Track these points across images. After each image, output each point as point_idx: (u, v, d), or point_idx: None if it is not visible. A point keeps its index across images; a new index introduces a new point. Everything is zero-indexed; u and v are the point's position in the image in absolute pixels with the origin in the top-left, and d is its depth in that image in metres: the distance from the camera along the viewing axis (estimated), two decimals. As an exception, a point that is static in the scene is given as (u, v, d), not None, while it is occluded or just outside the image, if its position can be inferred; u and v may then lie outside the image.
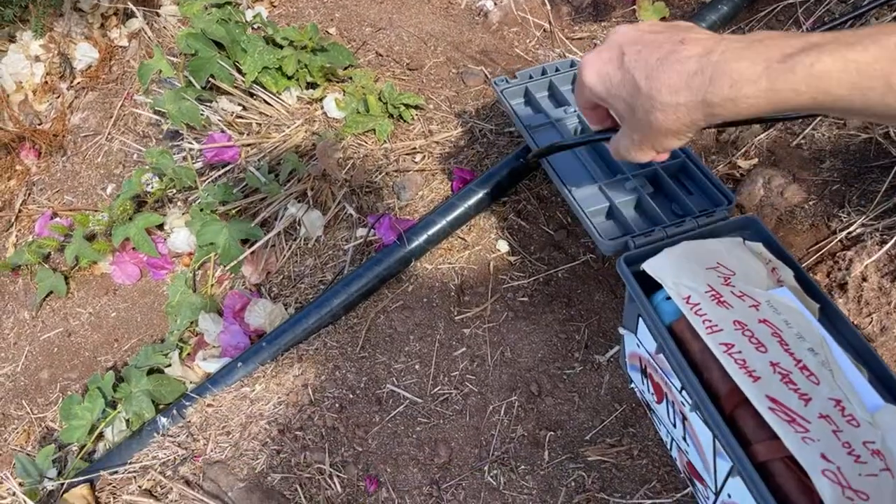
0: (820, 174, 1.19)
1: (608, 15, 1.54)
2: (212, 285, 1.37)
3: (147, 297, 1.48)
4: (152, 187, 1.43)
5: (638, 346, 0.92)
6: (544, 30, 1.47)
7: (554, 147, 1.00)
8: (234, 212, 1.35)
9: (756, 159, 1.25)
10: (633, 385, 1.05)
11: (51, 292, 1.52)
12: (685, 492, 0.95)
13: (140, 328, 1.44)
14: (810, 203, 1.17)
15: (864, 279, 1.06)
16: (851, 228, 1.10)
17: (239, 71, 1.45)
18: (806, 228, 1.15)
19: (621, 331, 0.95)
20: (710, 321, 0.74)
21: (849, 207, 1.13)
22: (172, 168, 1.38)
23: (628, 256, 0.85)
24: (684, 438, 0.89)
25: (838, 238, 1.11)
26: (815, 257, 1.11)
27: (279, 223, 1.33)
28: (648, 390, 0.98)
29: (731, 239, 0.87)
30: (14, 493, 1.09)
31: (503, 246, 1.26)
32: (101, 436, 1.21)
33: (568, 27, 1.56)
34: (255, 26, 1.50)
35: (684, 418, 0.84)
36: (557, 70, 1.17)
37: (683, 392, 0.79)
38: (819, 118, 1.22)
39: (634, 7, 1.51)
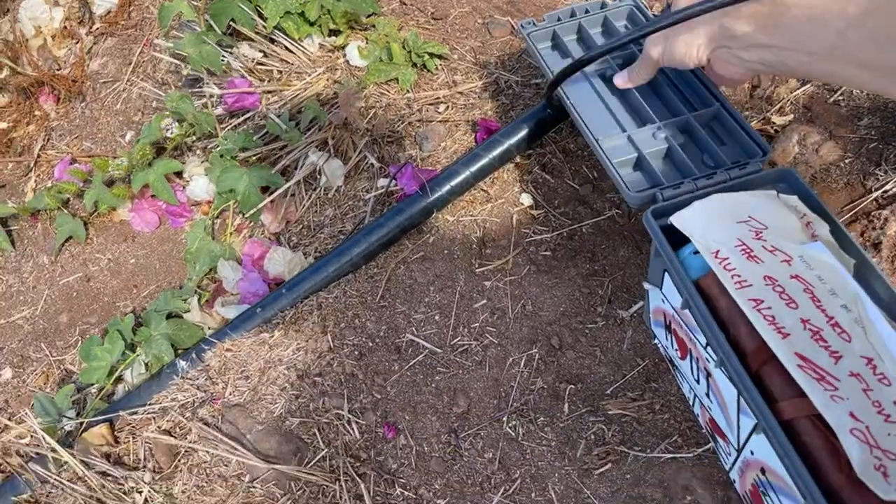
0: (857, 131, 1.15)
1: (641, -35, 1.49)
2: (231, 233, 1.36)
3: (166, 245, 1.48)
4: (172, 133, 1.41)
5: (663, 301, 0.90)
6: (574, -21, 1.43)
7: (575, 65, 0.96)
8: (254, 159, 1.33)
9: (791, 115, 1.21)
10: (656, 341, 1.04)
11: (70, 237, 1.52)
12: (707, 447, 0.94)
13: (159, 275, 1.44)
14: (846, 161, 1.13)
15: (900, 239, 1.03)
16: (888, 187, 1.07)
17: (261, 16, 1.42)
18: (841, 187, 1.12)
19: (646, 286, 0.93)
20: (739, 276, 0.72)
21: (885, 166, 1.09)
22: (192, 113, 1.36)
23: (656, 209, 0.83)
24: (707, 395, 0.87)
25: (873, 196, 1.07)
26: (849, 216, 1.08)
27: (299, 171, 1.31)
28: (672, 346, 0.96)
29: (764, 192, 0.85)
30: (34, 431, 1.10)
31: (526, 199, 1.24)
32: (120, 378, 1.21)
33: (598, -22, 1.51)
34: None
35: (708, 374, 0.83)
36: (587, 12, 1.13)
37: (708, 348, 0.77)
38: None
39: (669, -43, 1.45)
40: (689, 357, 0.90)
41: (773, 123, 1.21)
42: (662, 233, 0.81)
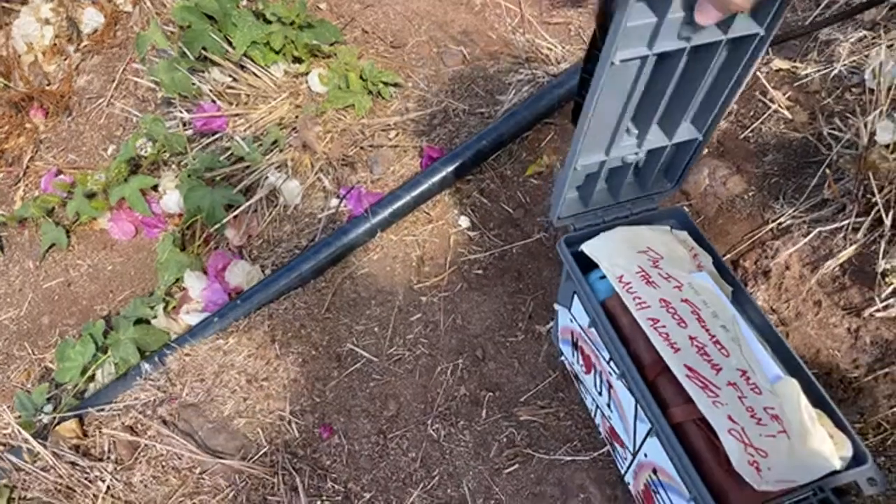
0: (762, 167, 1.26)
1: (585, 1, 1.60)
2: (198, 245, 1.48)
3: (141, 253, 1.60)
4: (146, 151, 1.53)
5: (571, 321, 1.02)
6: (521, 14, 1.54)
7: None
8: (219, 178, 1.46)
9: (706, 149, 1.32)
10: (562, 358, 1.15)
11: (53, 244, 1.65)
12: (602, 451, 1.06)
13: (133, 281, 1.56)
14: (749, 194, 1.24)
15: (787, 267, 1.14)
16: (782, 219, 1.18)
17: (230, 44, 1.54)
18: (743, 217, 1.23)
19: (556, 307, 1.05)
20: (639, 298, 0.83)
21: (783, 200, 1.21)
22: (164, 135, 1.48)
23: (568, 238, 0.94)
24: (608, 405, 0.99)
25: (769, 227, 1.19)
26: (747, 244, 1.20)
27: (260, 191, 1.43)
28: (578, 362, 1.08)
29: (660, 227, 0.96)
30: (10, 425, 1.22)
31: (464, 222, 1.35)
32: (92, 377, 1.34)
33: (546, 12, 1.62)
34: (247, 0, 1.58)
35: (610, 386, 0.94)
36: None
37: (611, 362, 0.89)
38: (769, 112, 1.29)
39: (610, -5, 1.56)
40: (593, 371, 1.02)
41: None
42: (573, 258, 0.93)
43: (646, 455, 0.89)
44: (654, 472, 0.87)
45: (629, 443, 0.94)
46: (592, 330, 0.94)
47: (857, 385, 1.02)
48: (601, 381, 0.99)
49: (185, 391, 1.22)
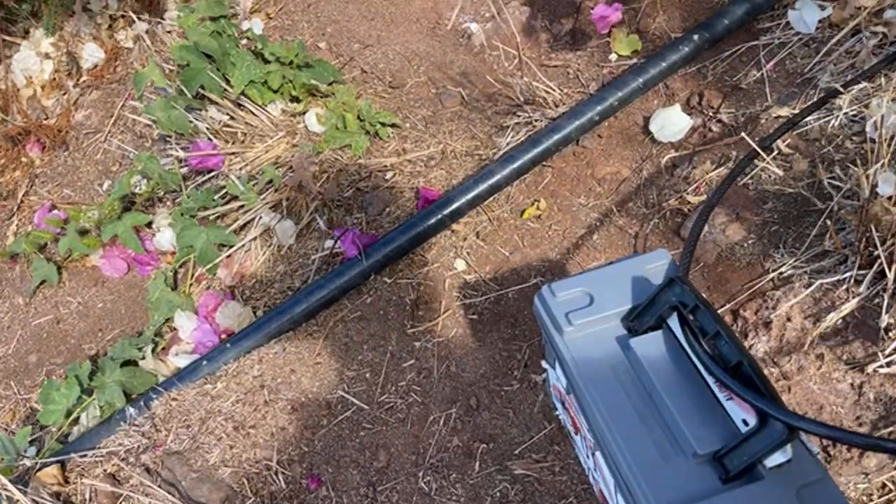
0: (761, 214, 1.24)
1: (584, 45, 1.60)
2: (190, 285, 1.46)
3: (132, 291, 1.58)
4: (140, 189, 1.52)
5: (557, 380, 0.99)
6: (519, 57, 1.54)
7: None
8: (213, 217, 1.44)
9: (705, 195, 1.31)
10: (556, 412, 1.12)
11: (44, 281, 1.63)
12: (598, 509, 1.03)
13: (123, 320, 1.54)
14: (749, 242, 1.23)
15: (789, 319, 1.12)
16: (783, 269, 1.16)
17: (228, 83, 1.54)
18: (743, 266, 1.21)
19: (544, 364, 1.02)
20: None
21: (783, 249, 1.19)
22: (159, 173, 1.47)
23: (556, 286, 0.92)
24: (595, 470, 0.96)
25: (770, 277, 1.17)
26: (747, 294, 1.18)
27: (253, 230, 1.41)
28: (568, 421, 1.05)
29: None
30: (-10, 470, 1.19)
31: (460, 265, 1.33)
32: (77, 420, 1.31)
33: (545, 54, 1.62)
34: (247, 39, 1.59)
35: (593, 453, 0.91)
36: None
37: (591, 432, 0.86)
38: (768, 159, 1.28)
39: (608, 39, 1.56)
40: (579, 434, 0.99)
41: (689, 202, 1.31)
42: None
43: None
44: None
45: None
46: (571, 396, 0.91)
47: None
48: (585, 446, 0.96)
49: (170, 438, 1.19)
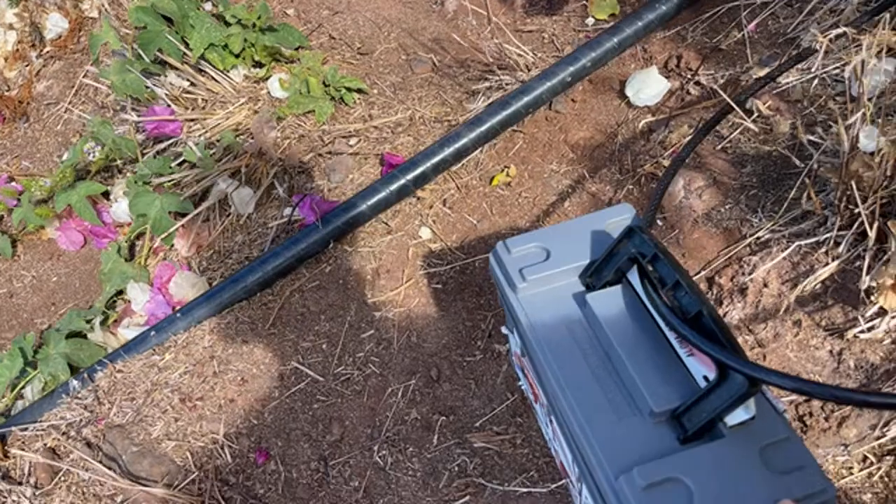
0: (740, 178, 1.18)
1: (560, 9, 1.54)
2: (147, 256, 1.39)
3: (88, 265, 1.52)
4: (94, 156, 1.45)
5: (516, 345, 0.93)
6: (494, 21, 1.47)
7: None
8: (168, 185, 1.37)
9: (680, 167, 1.24)
10: (519, 383, 1.06)
11: (-2, 254, 1.56)
12: (560, 483, 0.96)
13: (78, 294, 1.47)
14: (726, 207, 1.16)
15: (765, 285, 1.06)
16: (760, 234, 1.10)
17: (188, 46, 1.47)
18: (720, 232, 1.15)
19: (504, 330, 0.96)
20: None
21: (761, 213, 1.12)
22: (112, 138, 1.40)
23: (511, 241, 0.85)
24: (554, 439, 0.90)
25: (747, 242, 1.10)
26: (723, 260, 1.11)
27: (210, 198, 1.35)
28: (528, 389, 0.99)
29: None
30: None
31: (426, 233, 1.27)
32: (21, 394, 1.24)
33: (520, 19, 1.56)
34: (211, 4, 1.52)
35: (551, 420, 0.85)
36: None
37: (544, 395, 0.79)
38: (748, 122, 1.22)
39: (586, 2, 1.50)
40: (539, 402, 0.93)
41: (664, 168, 1.25)
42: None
43: (587, 498, 0.79)
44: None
45: (574, 481, 0.84)
46: (526, 358, 0.84)
47: (840, 414, 0.93)
48: (545, 414, 0.90)
49: (113, 411, 1.12)
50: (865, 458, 0.92)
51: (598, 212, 0.88)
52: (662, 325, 0.70)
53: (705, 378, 0.64)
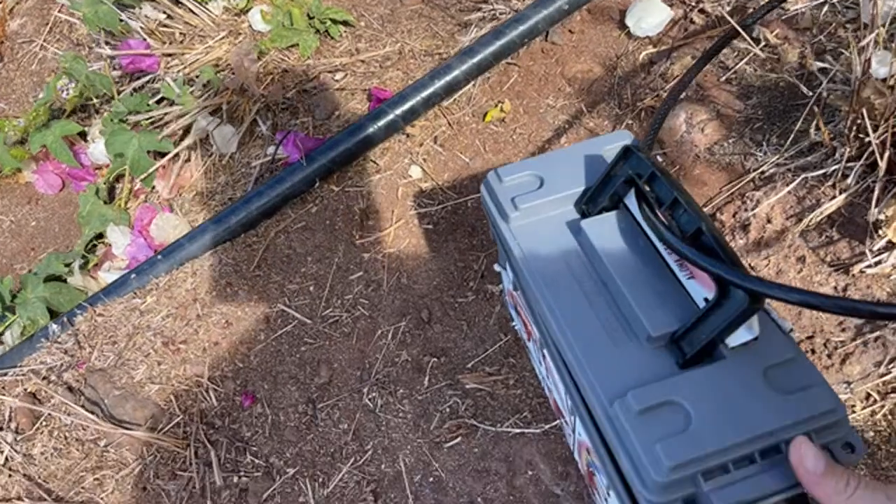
0: (744, 111, 1.13)
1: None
2: (126, 198, 1.34)
3: (67, 209, 1.47)
4: (68, 94, 1.38)
5: (508, 282, 0.89)
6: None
7: None
8: (146, 123, 1.31)
9: (683, 94, 1.19)
10: (512, 323, 1.03)
11: (-26, 199, 1.51)
12: (554, 423, 0.94)
13: (57, 238, 1.43)
14: (730, 141, 1.11)
15: (769, 220, 1.02)
16: (765, 168, 1.05)
17: (163, -24, 1.39)
18: (723, 167, 1.10)
19: (496, 267, 0.92)
20: None
21: (766, 146, 1.07)
22: (86, 74, 1.33)
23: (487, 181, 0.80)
24: (547, 377, 0.87)
25: (750, 177, 1.06)
26: (725, 196, 1.07)
27: (189, 137, 1.29)
28: (521, 328, 0.95)
29: None
30: None
31: (416, 172, 1.22)
32: (0, 340, 1.21)
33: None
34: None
35: (544, 355, 0.82)
36: None
37: (537, 328, 0.76)
38: (754, 51, 1.15)
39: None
40: (531, 339, 0.90)
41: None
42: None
43: (580, 434, 0.76)
44: (589, 452, 0.75)
45: (568, 417, 0.82)
46: (518, 293, 0.81)
47: (844, 350, 0.90)
48: (538, 350, 0.87)
49: (94, 355, 1.09)
50: (868, 395, 0.90)
51: (594, 138, 0.83)
52: (661, 247, 0.66)
53: (706, 300, 0.61)
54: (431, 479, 0.94)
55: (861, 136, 0.94)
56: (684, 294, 0.62)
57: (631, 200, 0.69)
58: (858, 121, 0.93)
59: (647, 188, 0.65)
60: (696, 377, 0.56)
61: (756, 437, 0.53)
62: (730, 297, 0.54)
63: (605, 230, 0.69)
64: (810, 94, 1.05)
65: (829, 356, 0.90)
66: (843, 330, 0.91)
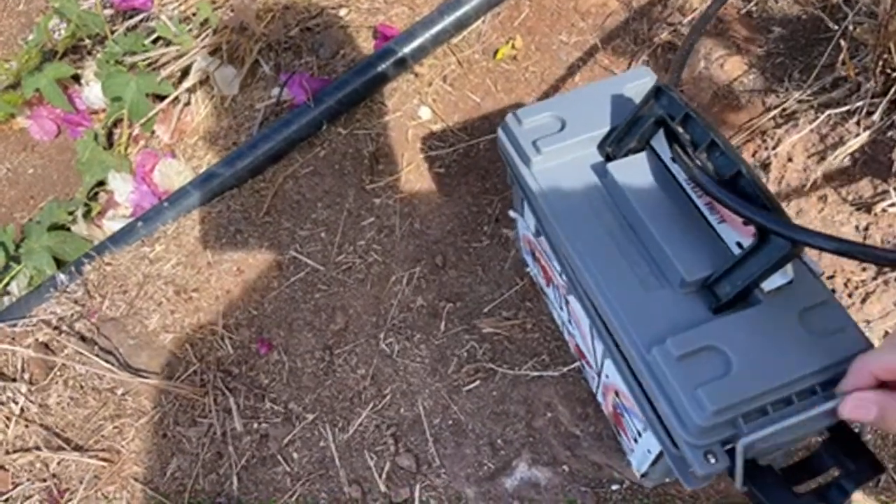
0: (765, 45, 1.09)
1: None
2: (126, 144, 1.30)
3: (64, 155, 1.43)
4: (60, 35, 1.33)
5: (526, 229, 0.88)
6: None
7: None
8: (143, 65, 1.26)
9: (705, 27, 1.14)
10: (528, 269, 1.02)
11: (-33, 146, 1.46)
12: (573, 366, 0.94)
13: (56, 186, 1.39)
14: (750, 77, 1.08)
15: (790, 159, 1.00)
16: (787, 105, 1.02)
17: None
18: (743, 104, 1.07)
19: (511, 214, 0.90)
20: None
21: (788, 83, 1.05)
22: (77, 13, 1.27)
23: (522, 113, 0.78)
24: (569, 322, 0.86)
25: (771, 115, 1.03)
26: (745, 134, 1.05)
27: (189, 79, 1.24)
28: (539, 274, 0.94)
29: None
30: None
31: (425, 113, 1.19)
32: (6, 290, 1.19)
33: None
34: None
35: (567, 302, 0.81)
36: None
37: (563, 275, 0.75)
38: (776, -17, 1.11)
39: None
40: (551, 285, 0.89)
41: (683, 36, 1.15)
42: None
43: (607, 376, 0.76)
44: (617, 394, 0.75)
45: (593, 362, 0.82)
46: (541, 238, 0.79)
47: (864, 289, 0.90)
48: (559, 296, 0.86)
49: (105, 304, 1.08)
50: (886, 332, 0.90)
51: (614, 77, 0.80)
52: (691, 192, 0.65)
53: (738, 245, 0.60)
54: (451, 422, 0.95)
55: (888, 71, 0.91)
56: (716, 238, 0.61)
57: (660, 142, 0.67)
58: (885, 55, 0.91)
59: (681, 129, 0.62)
60: (733, 322, 0.56)
61: (795, 380, 0.53)
62: (770, 243, 0.53)
63: (632, 173, 0.67)
64: (835, 27, 1.02)
65: (850, 296, 0.90)
66: (864, 269, 0.90)
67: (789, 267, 0.57)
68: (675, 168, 0.66)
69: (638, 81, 0.74)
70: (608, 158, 0.71)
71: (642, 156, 0.68)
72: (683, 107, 0.62)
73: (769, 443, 0.52)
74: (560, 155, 0.72)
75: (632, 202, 0.65)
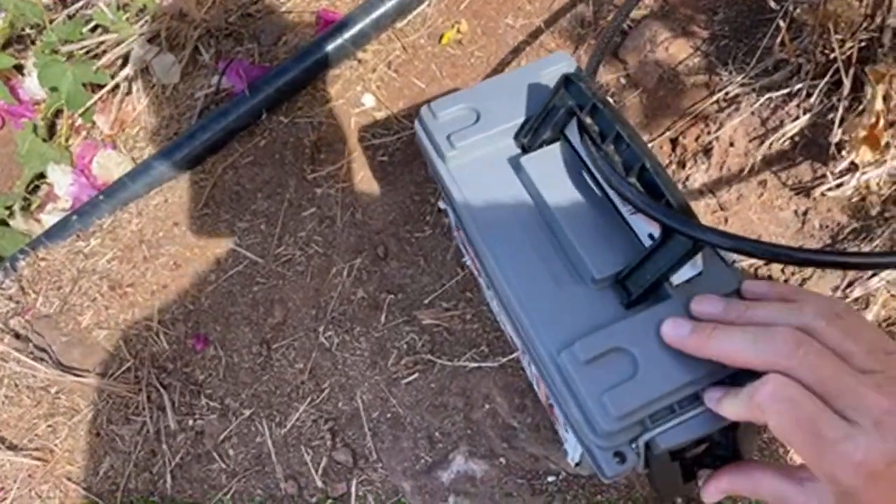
0: (711, 27, 1.07)
1: None
2: (67, 135, 1.27)
3: (8, 147, 1.39)
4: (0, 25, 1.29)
5: (454, 220, 0.86)
6: None
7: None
8: (80, 53, 1.23)
9: (647, 10, 1.13)
10: (464, 259, 1.00)
11: None
12: (511, 356, 0.93)
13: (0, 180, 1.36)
14: (695, 60, 1.06)
15: (731, 143, 0.98)
16: (729, 88, 1.01)
17: None
18: (688, 88, 1.06)
19: (441, 205, 0.88)
20: None
21: (732, 66, 1.03)
22: (14, 3, 1.24)
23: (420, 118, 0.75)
24: (500, 311, 0.85)
25: (715, 98, 1.02)
26: (688, 120, 1.03)
27: (128, 67, 1.21)
28: (471, 264, 0.93)
29: None
30: None
31: (369, 100, 1.16)
32: (-56, 288, 1.17)
33: None
34: None
35: (492, 294, 0.80)
36: None
37: (481, 273, 0.74)
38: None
39: None
40: (482, 275, 0.87)
41: (630, 18, 1.13)
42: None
43: (533, 368, 0.75)
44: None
45: (521, 353, 0.80)
46: (461, 232, 0.77)
47: (801, 276, 0.89)
48: (486, 287, 0.85)
49: (39, 301, 1.06)
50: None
51: (531, 63, 0.77)
52: (603, 183, 0.63)
53: (650, 237, 0.58)
54: (389, 416, 0.94)
55: (826, 52, 0.90)
56: (628, 230, 0.60)
57: (573, 132, 0.65)
58: (825, 36, 0.89)
59: (589, 120, 0.60)
60: (642, 320, 0.54)
61: (702, 376, 0.51)
62: (673, 238, 0.52)
63: (545, 166, 0.65)
64: (777, 7, 1.00)
65: (787, 281, 0.89)
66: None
67: (699, 258, 0.55)
68: (588, 161, 0.64)
69: (555, 67, 0.72)
70: (524, 150, 0.69)
71: (555, 147, 0.66)
72: (591, 97, 0.60)
73: (683, 438, 0.51)
74: (475, 149, 0.70)
75: (545, 196, 0.63)
